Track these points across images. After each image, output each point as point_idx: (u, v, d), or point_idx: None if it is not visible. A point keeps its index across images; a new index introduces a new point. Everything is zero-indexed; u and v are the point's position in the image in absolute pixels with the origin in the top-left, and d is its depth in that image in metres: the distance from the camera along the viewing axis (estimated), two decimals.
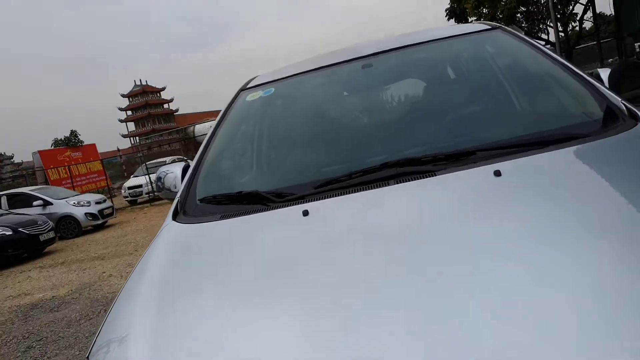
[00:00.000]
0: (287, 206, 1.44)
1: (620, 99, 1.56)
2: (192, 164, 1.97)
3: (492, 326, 0.82)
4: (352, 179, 1.47)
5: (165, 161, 19.80)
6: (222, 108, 2.25)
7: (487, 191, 1.22)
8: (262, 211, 1.48)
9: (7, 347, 4.55)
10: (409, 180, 1.36)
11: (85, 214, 12.10)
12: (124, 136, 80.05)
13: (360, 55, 2.14)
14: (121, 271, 6.93)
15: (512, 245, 1.00)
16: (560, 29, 14.77)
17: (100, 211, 12.51)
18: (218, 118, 2.20)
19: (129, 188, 18.19)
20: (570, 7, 14.53)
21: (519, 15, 14.60)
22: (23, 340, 4.64)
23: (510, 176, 1.24)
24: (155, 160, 19.96)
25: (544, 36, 15.29)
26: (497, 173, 1.25)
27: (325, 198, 1.41)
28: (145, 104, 78.83)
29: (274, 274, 1.16)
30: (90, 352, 1.12)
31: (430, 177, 1.35)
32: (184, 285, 1.25)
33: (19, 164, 64.19)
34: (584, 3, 14.53)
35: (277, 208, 1.47)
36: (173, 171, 2.14)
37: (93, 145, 23.49)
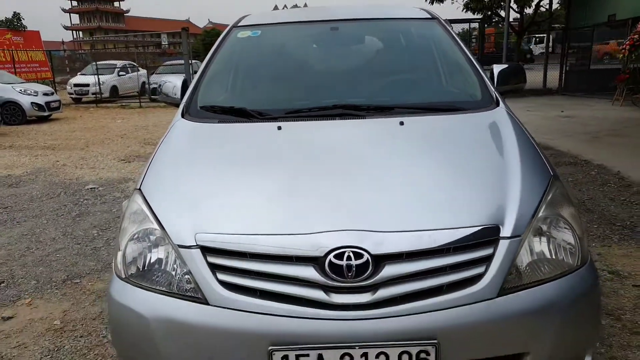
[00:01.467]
0: (267, 122, 2.17)
1: (494, 89, 2.38)
2: (194, 79, 2.60)
3: (377, 191, 1.63)
4: (312, 111, 2.23)
5: (116, 64, 19.32)
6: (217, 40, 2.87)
7: (391, 132, 2.02)
8: (249, 122, 2.19)
9: None
10: (348, 119, 2.13)
11: (32, 103, 11.94)
12: (67, 28, 74.13)
13: (331, 19, 2.82)
14: (75, 162, 7.35)
15: (395, 157, 1.83)
16: (517, 9, 15.74)
17: (47, 103, 12.38)
18: (215, 46, 2.82)
19: (75, 85, 17.70)
20: None
21: None
22: None
23: (409, 125, 2.04)
24: (105, 62, 19.36)
25: (502, 13, 16.13)
26: (401, 123, 2.05)
27: (293, 121, 2.16)
28: None
29: (257, 158, 1.92)
30: (141, 184, 1.82)
31: (361, 119, 2.13)
32: (199, 158, 1.96)
33: None
34: None
35: (259, 122, 2.19)
36: (172, 81, 2.76)
37: (37, 33, 22.09)
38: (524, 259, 1.52)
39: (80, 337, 2.68)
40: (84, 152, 8.25)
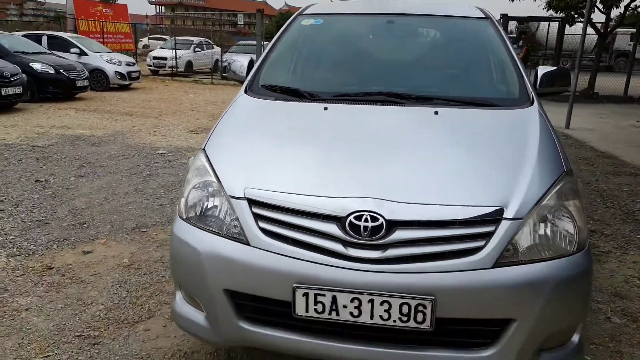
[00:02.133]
0: (316, 102, 2.46)
1: (531, 89, 2.52)
2: (259, 60, 2.93)
3: (400, 168, 1.89)
4: (358, 96, 2.49)
5: (193, 41, 20.33)
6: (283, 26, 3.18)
7: (425, 119, 2.24)
8: (300, 101, 2.50)
9: (63, 162, 5.74)
10: (390, 105, 2.38)
11: (115, 72, 12.99)
12: (151, 2, 77.93)
13: (388, 12, 3.06)
14: (149, 129, 8.04)
15: (423, 141, 2.08)
16: (603, 10, 14.80)
17: (129, 73, 13.40)
18: (280, 31, 3.13)
19: (154, 58, 18.86)
20: None
21: None
22: (75, 160, 5.82)
23: (442, 115, 2.26)
24: (183, 37, 20.45)
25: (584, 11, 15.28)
26: (436, 112, 2.27)
27: (339, 103, 2.44)
28: None
29: (303, 132, 2.22)
30: (205, 145, 2.18)
31: (402, 106, 2.37)
32: (254, 129, 2.30)
33: (42, 3, 63.08)
34: None
35: (309, 102, 2.49)
36: (240, 60, 3.10)
37: (125, 6, 23.58)
38: (523, 239, 1.72)
39: (144, 274, 3.14)
40: (158, 120, 8.97)
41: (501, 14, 14.26)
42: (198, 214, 1.96)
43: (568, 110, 9.34)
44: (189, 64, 19.62)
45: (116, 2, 23.65)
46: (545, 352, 1.77)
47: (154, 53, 19.35)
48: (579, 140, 8.22)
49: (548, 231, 1.76)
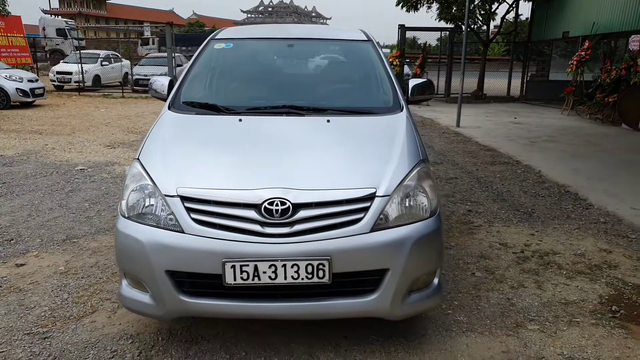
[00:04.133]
0: (232, 115, 2.97)
1: (402, 98, 3.22)
2: (178, 80, 3.37)
3: (301, 164, 2.45)
4: (266, 109, 3.03)
5: (100, 54, 19.72)
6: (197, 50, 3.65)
7: (319, 126, 2.84)
8: (218, 114, 2.99)
9: None
10: (291, 115, 2.95)
11: (17, 89, 12.38)
12: (45, 12, 72.84)
13: (289, 37, 3.65)
14: (63, 146, 7.97)
15: (317, 143, 2.66)
16: (482, 22, 16.79)
17: (32, 90, 12.82)
18: (196, 54, 3.59)
19: (58, 73, 18.05)
20: (495, 6, 16.43)
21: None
22: None
23: (333, 123, 2.86)
24: (89, 51, 19.74)
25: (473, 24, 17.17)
26: (328, 120, 2.87)
27: (251, 115, 2.96)
28: None
29: (222, 140, 2.72)
30: (139, 155, 2.60)
31: (301, 116, 2.94)
32: (180, 139, 2.75)
33: None
34: (510, 3, 16.57)
35: (225, 115, 2.99)
36: (161, 80, 3.52)
37: (18, 18, 22.13)
38: (391, 210, 2.35)
39: (82, 278, 3.43)
40: (71, 137, 8.85)
41: (399, 25, 15.57)
42: (138, 212, 2.38)
43: (457, 111, 10.60)
44: (97, 78, 19.01)
45: (9, 15, 22.21)
46: (414, 292, 2.41)
47: (57, 67, 18.49)
48: (467, 136, 9.42)
49: (409, 203, 2.41)
